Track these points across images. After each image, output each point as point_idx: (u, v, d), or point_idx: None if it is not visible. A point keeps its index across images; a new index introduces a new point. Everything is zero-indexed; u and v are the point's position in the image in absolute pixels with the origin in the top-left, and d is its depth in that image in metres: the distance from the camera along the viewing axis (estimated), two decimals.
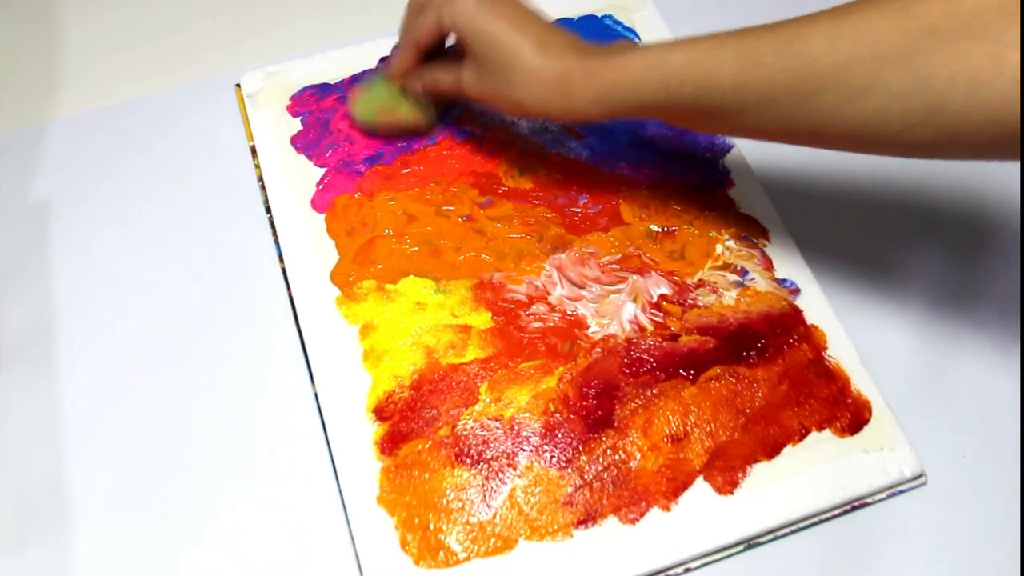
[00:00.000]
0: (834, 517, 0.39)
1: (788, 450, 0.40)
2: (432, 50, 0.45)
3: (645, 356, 0.42)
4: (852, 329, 0.43)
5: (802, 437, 0.40)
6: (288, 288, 0.44)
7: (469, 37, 0.41)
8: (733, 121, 0.37)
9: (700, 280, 0.45)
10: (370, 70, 0.52)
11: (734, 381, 0.41)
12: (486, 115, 0.50)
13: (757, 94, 0.35)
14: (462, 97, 0.44)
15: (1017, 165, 0.50)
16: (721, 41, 0.36)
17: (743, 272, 0.45)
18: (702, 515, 0.38)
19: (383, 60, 0.52)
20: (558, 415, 0.40)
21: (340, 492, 0.39)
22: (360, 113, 0.48)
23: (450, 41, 0.45)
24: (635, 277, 0.45)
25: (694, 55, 0.36)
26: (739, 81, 0.35)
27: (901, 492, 0.40)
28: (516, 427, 0.40)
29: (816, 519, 0.39)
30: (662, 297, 0.44)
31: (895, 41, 0.32)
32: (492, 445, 0.40)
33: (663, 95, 0.37)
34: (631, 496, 0.38)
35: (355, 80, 0.51)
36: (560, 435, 0.40)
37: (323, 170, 0.48)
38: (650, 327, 0.43)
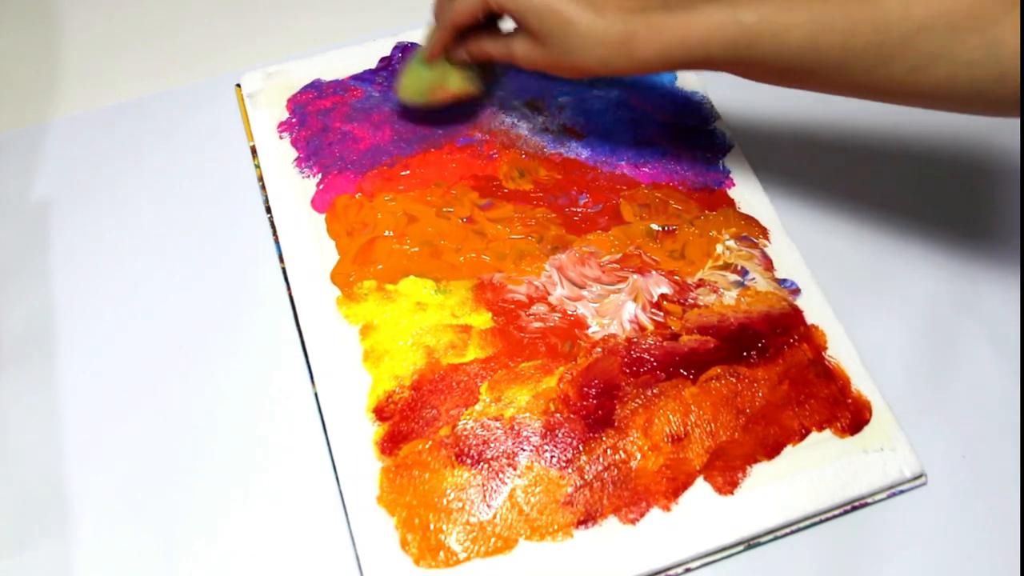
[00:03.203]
0: (834, 517, 0.39)
1: (788, 450, 0.40)
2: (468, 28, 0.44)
3: (645, 356, 0.42)
4: (852, 329, 0.43)
5: (802, 437, 0.40)
6: (288, 288, 0.44)
7: (519, 11, 0.40)
8: (802, 80, 0.37)
9: (700, 280, 0.45)
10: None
11: (734, 381, 0.41)
12: (487, 121, 0.50)
13: (828, 58, 0.35)
14: (512, 65, 0.43)
15: (1017, 165, 0.50)
16: (792, 1, 0.36)
17: (743, 272, 0.45)
18: (702, 515, 0.38)
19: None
20: (558, 415, 0.40)
21: (340, 492, 0.39)
22: (410, 95, 0.47)
23: None
24: (635, 276, 0.45)
25: (765, 14, 0.36)
26: (810, 44, 0.35)
27: (901, 492, 0.40)
28: (516, 427, 0.40)
29: (816, 519, 0.39)
30: (662, 296, 0.44)
31: (965, 9, 0.32)
32: (492, 445, 0.40)
33: (732, 53, 0.37)
34: (631, 496, 0.38)
35: (356, 80, 0.51)
36: (560, 435, 0.40)
37: (323, 170, 0.48)
38: (650, 327, 0.43)
